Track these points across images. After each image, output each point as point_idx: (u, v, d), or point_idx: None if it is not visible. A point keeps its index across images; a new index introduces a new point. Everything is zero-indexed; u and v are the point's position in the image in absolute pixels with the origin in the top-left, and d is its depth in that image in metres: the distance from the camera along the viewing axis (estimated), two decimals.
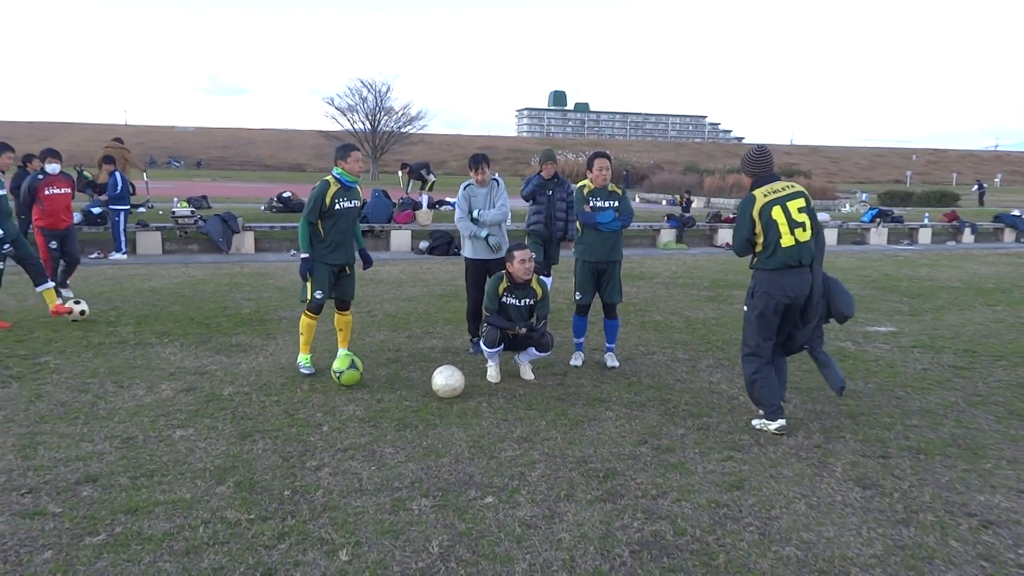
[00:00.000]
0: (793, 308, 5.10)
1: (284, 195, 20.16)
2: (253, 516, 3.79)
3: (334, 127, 53.76)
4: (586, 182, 6.55)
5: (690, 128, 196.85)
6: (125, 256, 13.46)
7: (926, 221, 20.96)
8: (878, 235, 20.03)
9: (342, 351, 6.37)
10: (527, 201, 8.41)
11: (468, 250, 7.01)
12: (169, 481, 4.18)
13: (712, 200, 33.35)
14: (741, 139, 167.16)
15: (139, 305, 9.04)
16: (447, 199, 19.82)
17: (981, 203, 36.67)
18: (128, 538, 3.56)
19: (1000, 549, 3.65)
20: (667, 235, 17.99)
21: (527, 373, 6.32)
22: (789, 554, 3.55)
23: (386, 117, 54.34)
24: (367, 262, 6.64)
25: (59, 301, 8.04)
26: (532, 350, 6.21)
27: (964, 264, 15.12)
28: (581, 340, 6.82)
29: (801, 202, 5.05)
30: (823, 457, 4.72)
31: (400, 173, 23.66)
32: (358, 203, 6.41)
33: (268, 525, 3.71)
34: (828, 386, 5.41)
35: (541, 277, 8.34)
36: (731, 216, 18.75)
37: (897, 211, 23.58)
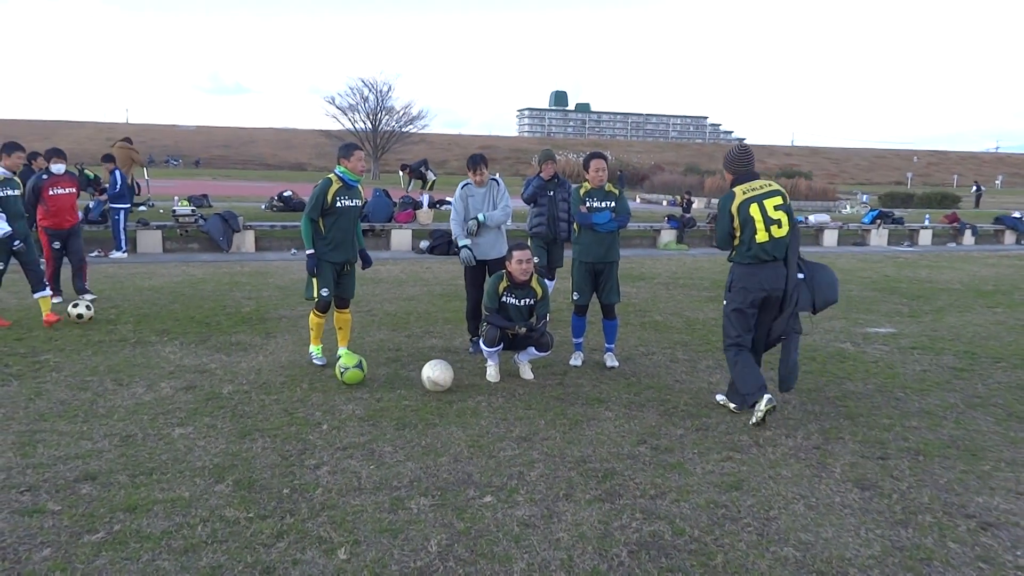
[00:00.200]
0: (770, 301, 5.31)
1: (285, 194, 20.19)
2: (252, 514, 3.80)
3: (335, 126, 53.84)
4: (584, 183, 6.57)
5: (691, 129, 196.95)
6: (125, 255, 13.47)
7: (927, 223, 20.97)
8: (878, 236, 20.04)
9: (342, 350, 6.44)
10: (528, 204, 8.37)
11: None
12: (168, 479, 4.19)
13: (713, 201, 33.35)
14: (742, 140, 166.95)
15: (139, 303, 9.05)
16: (447, 198, 19.83)
17: (977, 205, 36.70)
18: (127, 536, 3.56)
19: (998, 551, 3.65)
20: (667, 235, 18.00)
21: (526, 373, 6.32)
22: (787, 555, 3.55)
23: (387, 117, 54.39)
24: (366, 262, 6.67)
25: (60, 300, 8.04)
26: (532, 350, 6.22)
27: (964, 266, 15.12)
28: (580, 340, 6.82)
29: (778, 200, 5.27)
30: (822, 458, 4.72)
31: (401, 174, 23.68)
32: (359, 202, 6.45)
33: (267, 523, 3.71)
34: (777, 373, 5.42)
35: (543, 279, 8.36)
36: None
37: (898, 212, 23.61)
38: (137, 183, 17.78)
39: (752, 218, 5.20)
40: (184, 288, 10.19)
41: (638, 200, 34.71)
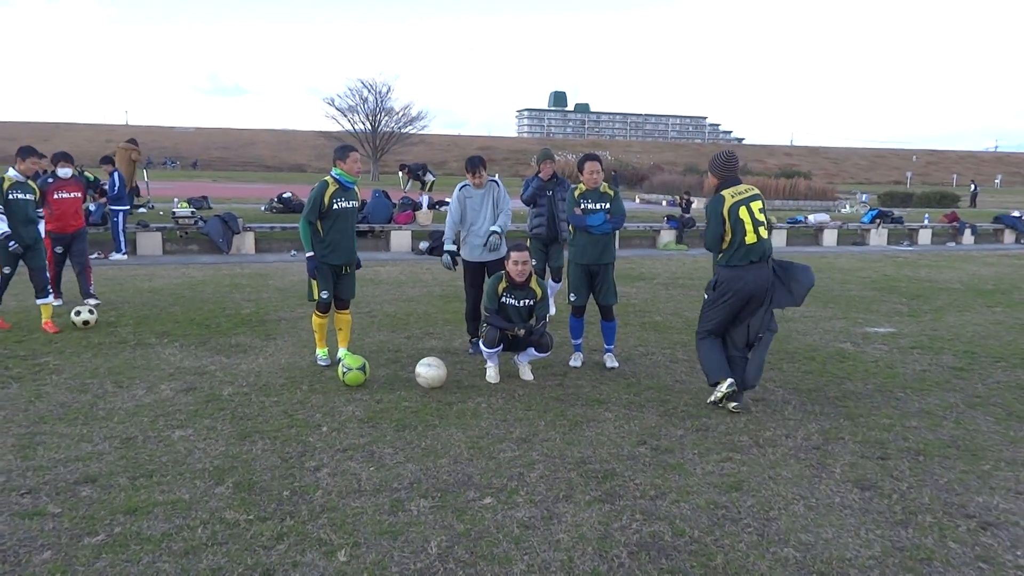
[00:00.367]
0: (753, 301, 5.47)
1: (284, 196, 20.19)
2: (252, 517, 3.80)
3: (334, 128, 53.77)
4: (579, 184, 6.56)
5: (690, 129, 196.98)
6: (125, 256, 13.47)
7: (926, 222, 20.98)
8: (878, 236, 20.04)
9: (342, 351, 6.49)
10: (528, 205, 8.35)
11: (466, 251, 7.02)
12: (168, 481, 4.19)
13: None
14: (741, 140, 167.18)
15: (139, 305, 9.05)
16: (447, 199, 19.83)
17: (973, 203, 36.71)
18: (127, 538, 3.56)
19: (998, 551, 3.65)
20: (667, 236, 18.00)
21: (526, 374, 6.32)
22: (787, 555, 3.56)
23: (386, 118, 54.34)
24: (356, 264, 6.70)
25: (56, 303, 8.02)
26: (531, 350, 6.22)
27: (964, 265, 15.13)
28: (579, 341, 6.82)
29: (760, 203, 5.50)
30: (822, 458, 4.73)
31: (400, 174, 23.69)
32: (357, 203, 6.47)
33: (267, 526, 3.71)
34: (741, 372, 5.54)
35: (551, 282, 8.35)
36: None
37: (897, 212, 23.60)
38: (137, 185, 17.79)
39: (742, 220, 5.37)
40: (184, 290, 10.19)
41: (637, 200, 34.70)
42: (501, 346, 6.16)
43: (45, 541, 3.52)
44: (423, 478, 4.31)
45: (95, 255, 13.25)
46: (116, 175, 13.39)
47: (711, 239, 5.52)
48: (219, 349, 7.07)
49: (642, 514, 3.93)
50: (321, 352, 6.63)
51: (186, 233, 14.84)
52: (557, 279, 8.53)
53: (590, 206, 6.45)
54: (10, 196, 7.55)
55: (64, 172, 8.93)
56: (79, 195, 9.13)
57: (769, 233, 5.52)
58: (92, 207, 14.56)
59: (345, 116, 53.58)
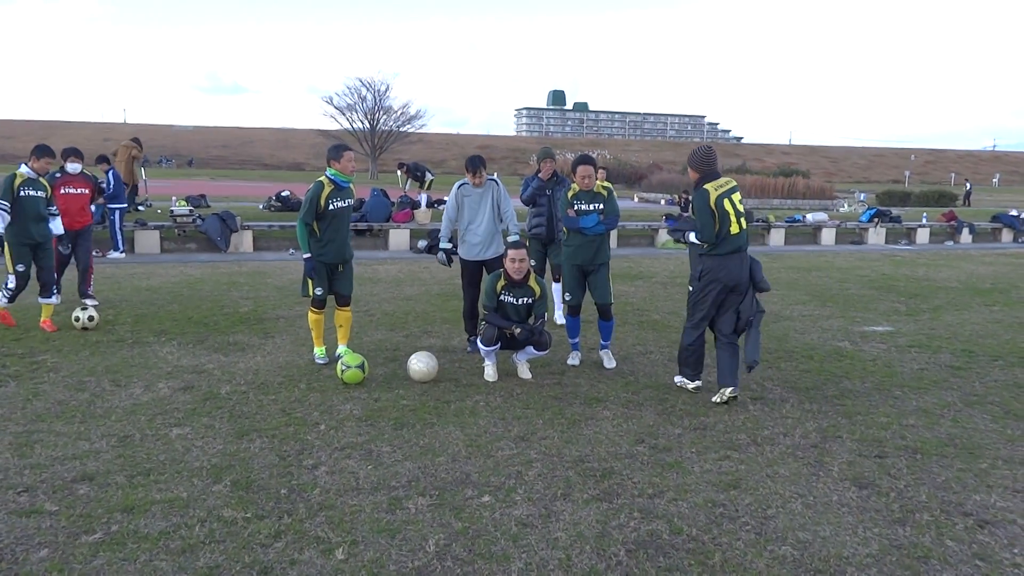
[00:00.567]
0: (737, 289, 5.72)
1: (283, 194, 20.15)
2: (249, 515, 3.79)
3: (333, 126, 53.69)
4: (573, 185, 6.56)
5: (689, 128, 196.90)
6: (123, 255, 13.45)
7: (924, 221, 20.99)
8: (876, 235, 20.05)
9: (342, 347, 6.55)
10: (527, 205, 8.29)
11: (463, 250, 7.02)
12: (166, 480, 4.18)
13: None
14: (740, 139, 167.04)
15: (137, 304, 9.04)
16: (446, 198, 19.79)
17: (966, 202, 36.72)
18: (124, 536, 3.56)
19: (995, 548, 3.66)
20: (665, 234, 17.99)
21: (524, 372, 6.32)
22: (785, 553, 3.56)
23: (385, 116, 54.24)
24: None
25: (53, 302, 7.94)
26: (530, 349, 6.22)
27: (962, 264, 15.14)
28: (576, 340, 6.82)
29: (739, 195, 5.79)
30: (819, 456, 4.73)
31: (399, 173, 23.67)
32: (352, 201, 6.49)
33: (264, 524, 3.71)
34: (744, 355, 5.79)
35: (555, 284, 8.32)
36: None
37: (895, 211, 23.60)
38: (137, 183, 17.75)
39: (727, 212, 5.62)
40: (182, 288, 10.18)
41: (636, 199, 34.68)
42: (499, 344, 6.16)
43: (42, 539, 3.52)
44: (421, 476, 4.31)
45: (93, 253, 13.22)
46: (111, 174, 13.36)
47: (706, 233, 5.64)
48: (217, 347, 7.06)
49: (640, 512, 3.93)
50: (319, 351, 6.63)
51: (184, 231, 14.82)
52: (558, 277, 8.48)
53: (583, 207, 6.44)
54: (21, 193, 7.45)
55: (73, 168, 8.90)
56: (86, 192, 9.07)
57: (747, 223, 5.80)
58: (91, 207, 14.52)
59: (344, 115, 53.50)
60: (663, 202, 32.33)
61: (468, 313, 7.10)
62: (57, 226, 7.93)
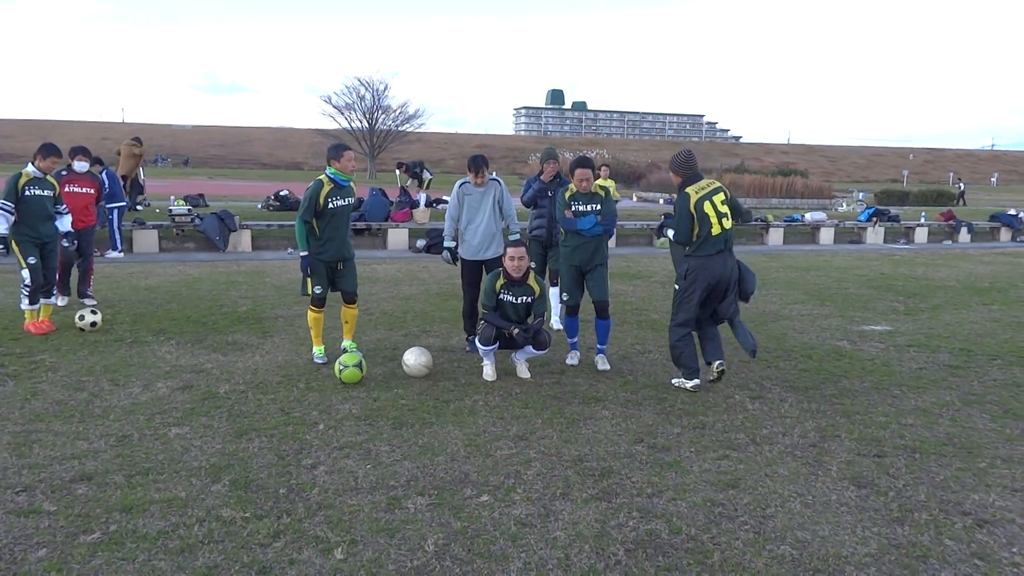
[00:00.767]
0: (719, 287, 5.91)
1: (281, 193, 20.13)
2: (248, 514, 3.79)
3: (331, 126, 53.63)
4: (571, 185, 6.55)
5: (687, 127, 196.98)
6: (121, 254, 13.43)
7: (923, 220, 21.00)
8: (875, 234, 20.06)
9: (346, 342, 6.68)
10: (527, 207, 8.22)
11: (463, 249, 7.02)
12: (164, 479, 4.18)
13: None
14: (738, 138, 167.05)
15: (135, 303, 9.03)
16: (444, 197, 19.81)
17: (960, 202, 36.74)
18: (123, 536, 3.55)
19: (994, 548, 3.66)
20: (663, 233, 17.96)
21: (523, 371, 6.32)
22: (784, 553, 3.56)
23: (383, 116, 54.19)
24: None
25: (55, 302, 7.91)
26: (529, 348, 6.22)
27: (960, 263, 15.15)
28: (575, 339, 6.82)
29: (722, 195, 5.93)
30: (818, 456, 4.73)
31: (398, 172, 23.66)
32: (353, 200, 6.51)
33: (263, 523, 3.70)
34: (741, 347, 6.10)
35: (553, 288, 8.29)
36: None
37: (894, 210, 23.61)
38: (140, 181, 17.73)
39: (707, 214, 5.80)
40: (180, 288, 10.17)
41: (634, 199, 34.68)
42: (498, 344, 6.16)
43: (41, 539, 3.51)
44: (420, 476, 4.31)
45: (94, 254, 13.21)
46: (106, 173, 13.31)
47: (683, 234, 5.91)
48: (215, 347, 7.06)
49: (639, 512, 3.93)
50: (318, 350, 6.63)
51: (182, 231, 14.81)
52: (555, 282, 8.44)
53: (581, 208, 6.44)
54: (26, 192, 7.39)
55: (80, 166, 8.87)
56: (92, 191, 9.03)
57: (732, 223, 5.95)
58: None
59: (342, 114, 53.44)
60: (662, 201, 32.34)
61: (468, 312, 7.10)
62: (65, 223, 7.83)
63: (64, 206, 7.86)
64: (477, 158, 6.91)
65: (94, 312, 7.66)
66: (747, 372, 6.57)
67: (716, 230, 5.82)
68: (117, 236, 13.41)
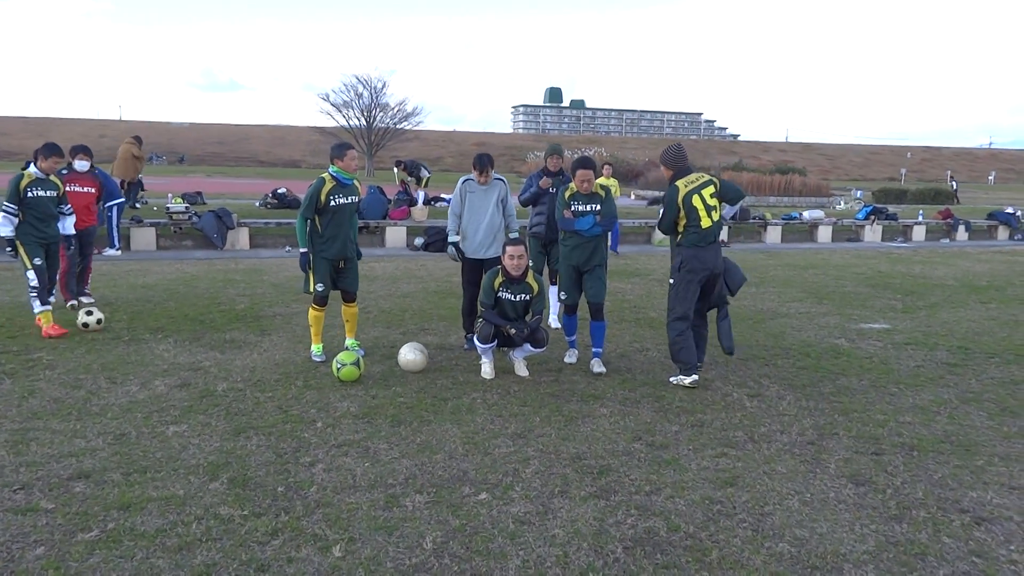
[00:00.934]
0: (712, 278, 6.09)
1: (279, 191, 20.09)
2: (246, 512, 3.79)
3: (329, 123, 53.52)
4: (570, 185, 6.54)
5: (686, 125, 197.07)
6: (119, 252, 13.41)
7: (920, 219, 21.02)
8: (872, 232, 20.08)
9: (349, 340, 6.70)
10: (527, 206, 8.18)
11: (463, 246, 7.01)
12: (162, 477, 4.17)
13: None
14: (736, 136, 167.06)
15: (133, 301, 9.02)
16: (442, 195, 19.80)
17: (955, 200, 36.76)
18: (121, 534, 3.55)
19: (992, 545, 3.66)
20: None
21: (521, 370, 6.32)
22: (782, 550, 3.56)
23: (381, 113, 54.10)
24: (357, 255, 6.75)
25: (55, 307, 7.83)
26: (527, 346, 6.22)
27: (958, 261, 15.17)
28: (573, 338, 6.82)
29: (712, 189, 6.05)
30: (816, 454, 4.74)
31: (396, 170, 23.65)
32: (356, 198, 6.52)
33: (261, 521, 3.70)
34: (719, 343, 6.35)
35: (553, 288, 8.27)
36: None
37: (891, 208, 23.63)
38: (140, 180, 17.66)
39: (696, 207, 5.94)
40: (178, 285, 10.16)
41: (632, 197, 34.65)
42: (496, 342, 6.16)
43: (38, 537, 3.51)
44: (418, 474, 4.31)
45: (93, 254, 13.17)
46: (98, 172, 13.26)
47: (666, 225, 6.11)
48: (213, 345, 7.05)
49: (637, 509, 3.93)
50: (316, 348, 6.62)
51: (180, 228, 14.78)
52: (554, 281, 8.41)
53: (580, 207, 6.43)
54: (28, 193, 7.32)
55: (81, 165, 8.83)
56: (92, 191, 8.98)
57: (720, 215, 6.14)
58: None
59: (340, 112, 53.32)
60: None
61: (467, 310, 7.09)
62: (67, 226, 7.77)
63: (68, 206, 7.83)
64: (482, 156, 6.92)
65: (90, 312, 7.64)
66: (745, 370, 6.58)
67: (706, 223, 5.95)
68: (115, 234, 13.37)
